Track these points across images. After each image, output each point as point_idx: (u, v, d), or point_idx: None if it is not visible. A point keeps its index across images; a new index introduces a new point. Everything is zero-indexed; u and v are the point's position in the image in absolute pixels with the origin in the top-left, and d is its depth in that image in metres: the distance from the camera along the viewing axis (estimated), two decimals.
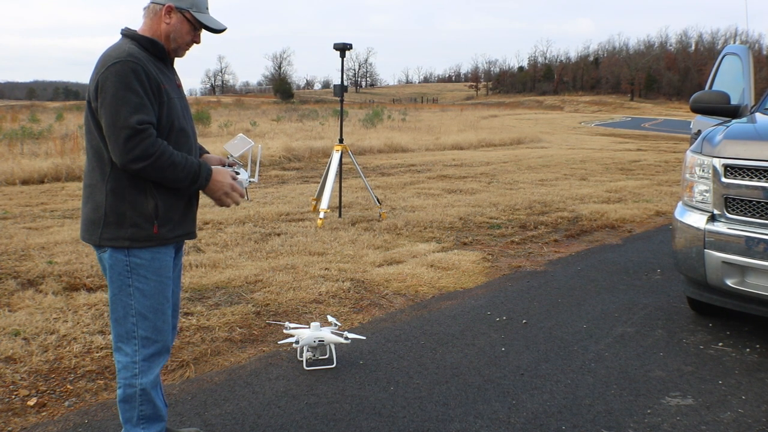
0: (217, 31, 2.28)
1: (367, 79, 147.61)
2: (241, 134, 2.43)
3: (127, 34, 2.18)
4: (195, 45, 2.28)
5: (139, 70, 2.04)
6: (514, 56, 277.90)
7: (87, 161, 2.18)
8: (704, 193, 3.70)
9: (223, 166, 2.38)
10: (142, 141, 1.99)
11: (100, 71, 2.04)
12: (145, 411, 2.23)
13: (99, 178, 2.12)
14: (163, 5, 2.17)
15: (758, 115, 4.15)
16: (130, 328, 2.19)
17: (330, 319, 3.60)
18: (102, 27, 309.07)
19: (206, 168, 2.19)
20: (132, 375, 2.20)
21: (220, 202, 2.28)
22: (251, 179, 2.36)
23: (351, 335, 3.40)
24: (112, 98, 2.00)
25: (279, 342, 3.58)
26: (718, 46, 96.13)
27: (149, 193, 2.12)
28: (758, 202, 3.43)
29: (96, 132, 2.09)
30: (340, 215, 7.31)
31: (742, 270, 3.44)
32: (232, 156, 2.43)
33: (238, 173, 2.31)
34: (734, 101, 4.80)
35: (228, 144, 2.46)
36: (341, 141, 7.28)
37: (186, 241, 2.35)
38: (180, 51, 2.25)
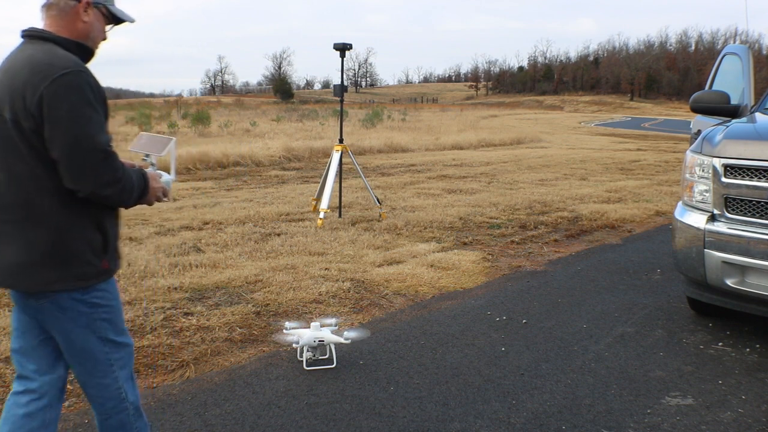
0: (126, 22, 2.05)
1: (367, 79, 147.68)
2: (144, 133, 2.24)
3: (48, 36, 1.86)
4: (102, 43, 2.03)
5: (92, 83, 1.80)
6: (514, 56, 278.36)
7: (10, 192, 1.81)
8: (704, 193, 3.70)
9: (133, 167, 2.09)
10: (111, 164, 1.79)
11: (42, 84, 1.72)
12: (139, 427, 2.10)
13: (36, 211, 1.80)
14: (79, 1, 1.89)
15: (758, 115, 4.15)
16: (105, 363, 1.99)
17: (329, 320, 3.60)
18: None
19: (146, 175, 1.98)
20: (120, 400, 2.03)
21: (148, 204, 2.04)
22: (173, 178, 2.18)
23: (352, 335, 3.40)
24: (72, 116, 1.73)
25: (276, 339, 3.57)
26: (718, 46, 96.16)
27: (97, 224, 1.89)
28: (758, 202, 3.43)
29: (31, 157, 1.77)
30: (340, 215, 7.31)
31: (742, 270, 3.44)
32: (149, 157, 2.17)
33: (160, 175, 2.11)
34: (734, 101, 4.80)
35: (136, 146, 2.22)
36: (341, 141, 7.28)
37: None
38: (95, 53, 1.99)
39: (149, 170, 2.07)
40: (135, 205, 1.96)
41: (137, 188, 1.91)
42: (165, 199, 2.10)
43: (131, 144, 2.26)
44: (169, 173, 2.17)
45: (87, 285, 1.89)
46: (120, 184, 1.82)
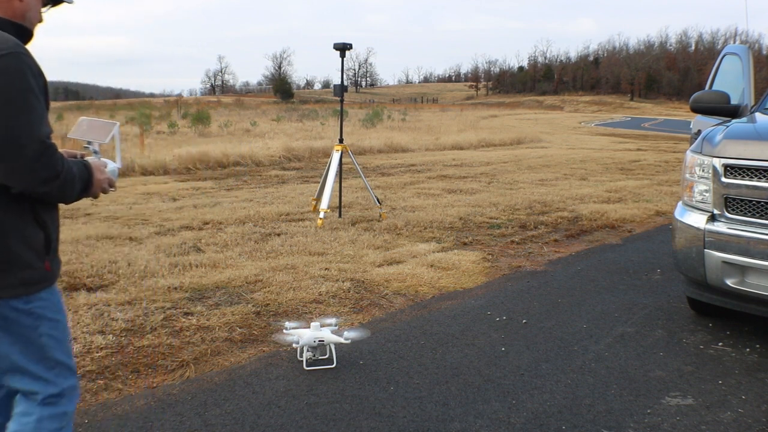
0: (65, 2, 1.91)
1: (367, 79, 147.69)
2: (84, 118, 2.05)
3: None
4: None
5: (34, 67, 1.62)
6: (514, 56, 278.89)
7: None
8: (704, 193, 3.70)
9: (75, 158, 1.89)
10: (51, 157, 1.61)
11: None
12: None
13: None
14: None
15: (758, 115, 4.15)
16: (55, 390, 1.79)
17: (329, 320, 3.60)
18: (102, 27, 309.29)
19: (89, 167, 1.81)
20: (55, 395, 1.79)
21: (93, 197, 1.88)
22: (118, 166, 2.01)
23: (352, 335, 3.40)
24: (10, 104, 1.55)
25: (276, 339, 3.57)
26: (718, 46, 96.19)
27: (38, 223, 1.71)
28: (758, 202, 3.43)
29: None
30: (340, 215, 7.31)
31: (742, 270, 3.44)
32: (92, 144, 2.00)
33: (105, 164, 1.94)
34: (734, 101, 4.80)
35: (76, 132, 2.05)
36: (341, 141, 7.28)
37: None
38: (33, 35, 1.81)
39: (92, 159, 1.89)
40: (78, 200, 1.80)
41: (79, 182, 1.74)
42: (111, 190, 1.93)
43: (71, 131, 2.09)
44: (114, 161, 2.00)
45: (29, 292, 1.69)
46: (59, 180, 1.65)
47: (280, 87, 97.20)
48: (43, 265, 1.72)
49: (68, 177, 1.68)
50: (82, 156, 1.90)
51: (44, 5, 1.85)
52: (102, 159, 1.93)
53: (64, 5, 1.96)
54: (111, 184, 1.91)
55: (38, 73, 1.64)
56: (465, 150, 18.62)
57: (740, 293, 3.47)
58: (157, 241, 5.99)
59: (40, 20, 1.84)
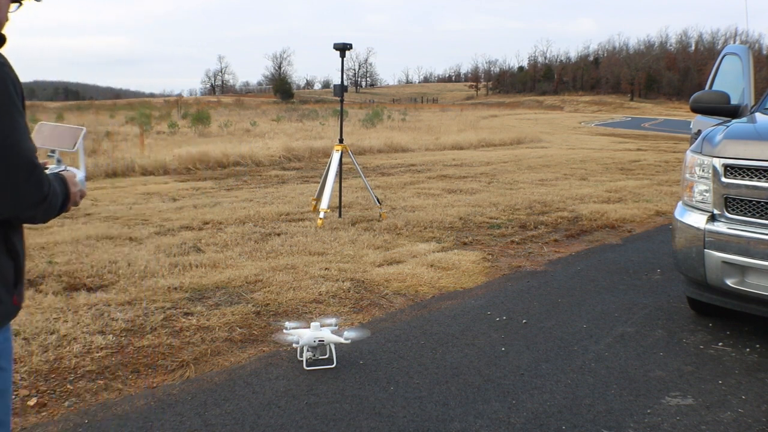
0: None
1: (367, 79, 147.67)
2: (44, 123, 1.86)
3: None
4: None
5: (14, 77, 1.45)
6: (514, 56, 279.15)
7: None
8: (704, 193, 3.70)
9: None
10: (38, 179, 1.44)
11: None
12: None
13: None
14: None
15: (758, 115, 4.16)
16: None
17: (329, 320, 3.60)
18: (102, 27, 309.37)
19: (66, 181, 1.64)
20: None
21: (65, 212, 1.69)
22: (84, 174, 1.84)
23: (352, 335, 3.40)
24: None
25: (276, 339, 3.58)
26: (718, 46, 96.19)
27: (9, 252, 1.52)
28: (758, 202, 3.43)
29: None
30: (340, 215, 7.31)
31: (742, 270, 3.44)
32: (55, 152, 1.81)
33: (75, 175, 1.77)
34: (734, 101, 4.80)
35: (38, 139, 1.82)
36: (341, 141, 7.28)
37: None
38: (6, 38, 1.64)
39: (59, 169, 1.72)
40: (54, 218, 1.61)
41: (61, 194, 1.57)
42: (80, 201, 1.75)
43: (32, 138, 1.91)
44: (78, 168, 1.81)
45: None
46: (46, 203, 1.47)
47: (280, 87, 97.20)
48: (11, 299, 1.53)
49: (54, 198, 1.51)
50: (45, 165, 1.71)
51: (12, 2, 1.65)
52: (69, 168, 1.76)
53: (31, 3, 1.71)
54: (82, 195, 1.74)
55: (17, 83, 1.46)
56: (465, 150, 18.62)
57: (740, 293, 3.47)
58: (157, 241, 5.99)
59: (7, 20, 1.64)
